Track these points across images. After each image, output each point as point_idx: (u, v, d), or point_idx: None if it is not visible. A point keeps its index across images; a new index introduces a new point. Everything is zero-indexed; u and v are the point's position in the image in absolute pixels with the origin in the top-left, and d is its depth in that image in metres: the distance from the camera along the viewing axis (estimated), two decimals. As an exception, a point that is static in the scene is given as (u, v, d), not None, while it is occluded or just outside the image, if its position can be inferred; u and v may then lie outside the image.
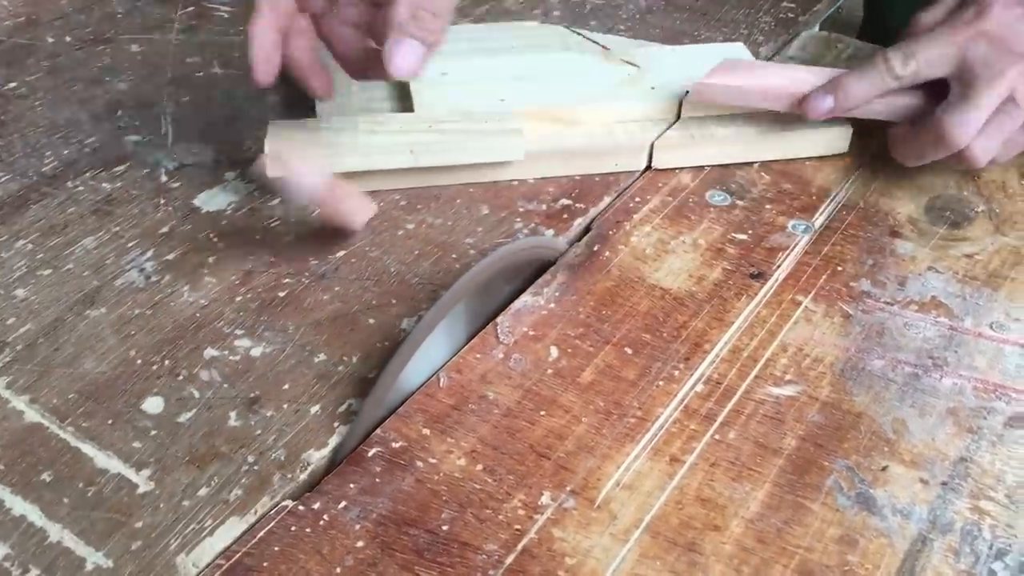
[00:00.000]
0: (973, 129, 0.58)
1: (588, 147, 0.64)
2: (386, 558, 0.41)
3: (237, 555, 0.41)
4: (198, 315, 0.54)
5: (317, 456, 0.46)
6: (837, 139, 0.66)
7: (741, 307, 0.55)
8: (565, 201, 0.62)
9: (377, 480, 0.44)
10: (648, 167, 0.65)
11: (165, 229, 0.60)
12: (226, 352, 0.52)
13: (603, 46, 0.74)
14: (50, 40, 0.80)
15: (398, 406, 0.48)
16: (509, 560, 0.42)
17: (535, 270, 0.57)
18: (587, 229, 0.60)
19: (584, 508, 0.44)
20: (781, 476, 0.46)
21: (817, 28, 0.84)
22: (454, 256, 0.58)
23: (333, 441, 0.47)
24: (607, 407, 0.48)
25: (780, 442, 0.47)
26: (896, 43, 0.61)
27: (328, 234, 0.59)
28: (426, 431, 0.47)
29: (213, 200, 0.62)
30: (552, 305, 0.54)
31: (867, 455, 0.47)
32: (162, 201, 0.62)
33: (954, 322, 0.54)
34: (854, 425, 0.48)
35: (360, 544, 0.42)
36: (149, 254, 0.58)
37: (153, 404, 0.49)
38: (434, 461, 0.45)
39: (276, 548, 0.41)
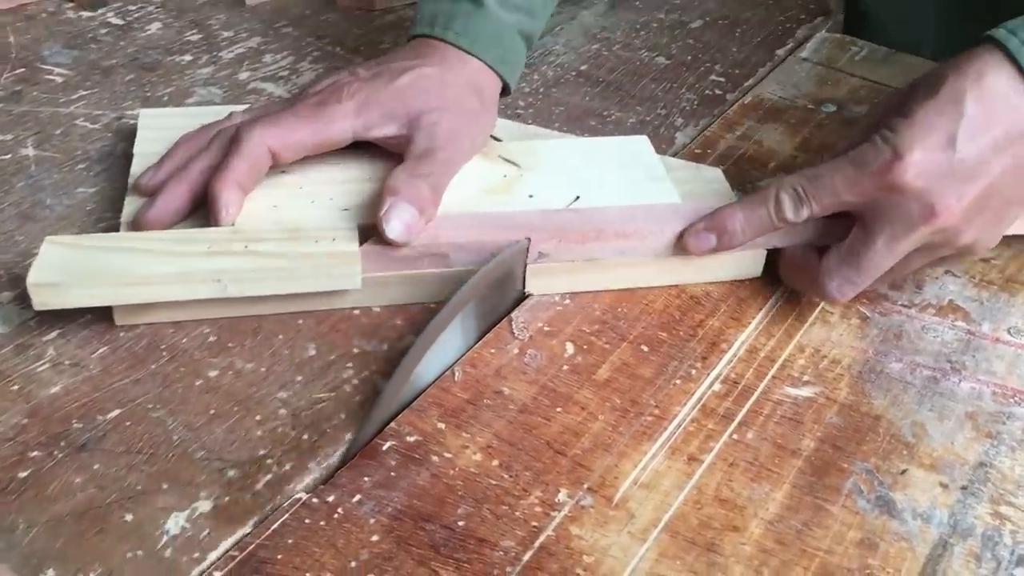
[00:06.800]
0: (853, 292, 0.51)
1: (444, 271, 0.53)
2: (402, 553, 0.41)
3: (251, 547, 0.40)
4: None
5: None
6: (748, 264, 0.55)
7: (758, 307, 0.54)
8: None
9: (392, 474, 0.44)
10: (523, 294, 0.54)
11: None
12: None
13: (493, 136, 0.62)
14: None
15: (412, 400, 0.47)
16: (527, 557, 0.41)
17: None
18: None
19: (602, 506, 0.43)
20: (800, 477, 0.45)
21: (826, 31, 0.84)
22: (257, 419, 0.46)
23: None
24: (624, 405, 0.48)
25: (798, 443, 0.47)
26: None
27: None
28: (441, 425, 0.46)
29: None
30: (567, 301, 0.54)
31: (886, 458, 0.46)
32: None
33: (971, 326, 0.54)
34: (872, 428, 0.48)
35: (375, 538, 0.41)
36: None
37: None
38: (449, 456, 0.45)
39: (290, 540, 0.41)
